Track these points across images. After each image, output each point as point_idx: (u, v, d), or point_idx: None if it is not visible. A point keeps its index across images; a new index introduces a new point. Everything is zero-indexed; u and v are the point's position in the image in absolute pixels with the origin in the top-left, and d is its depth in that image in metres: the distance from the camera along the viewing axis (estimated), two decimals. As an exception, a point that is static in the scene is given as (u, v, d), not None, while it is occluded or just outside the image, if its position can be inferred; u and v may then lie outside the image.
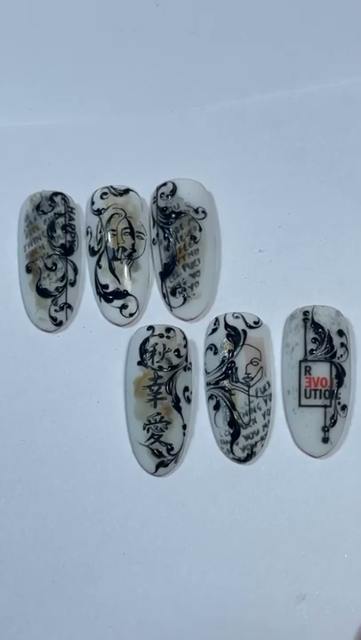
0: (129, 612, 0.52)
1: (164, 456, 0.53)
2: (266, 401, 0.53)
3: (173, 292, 0.55)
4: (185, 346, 0.53)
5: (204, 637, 0.52)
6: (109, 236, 0.55)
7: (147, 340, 0.53)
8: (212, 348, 0.53)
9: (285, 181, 0.58)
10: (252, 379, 0.53)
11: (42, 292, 0.55)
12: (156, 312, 0.55)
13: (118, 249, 0.55)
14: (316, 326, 0.53)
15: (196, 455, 0.54)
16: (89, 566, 0.53)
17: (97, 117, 0.60)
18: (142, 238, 0.56)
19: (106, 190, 0.56)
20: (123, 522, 0.53)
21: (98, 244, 0.55)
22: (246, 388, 0.53)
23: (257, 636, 0.52)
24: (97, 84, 0.60)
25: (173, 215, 0.55)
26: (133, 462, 0.53)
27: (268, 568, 0.52)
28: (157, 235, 0.55)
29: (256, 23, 0.60)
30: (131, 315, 0.55)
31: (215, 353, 0.53)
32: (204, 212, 0.55)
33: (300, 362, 0.53)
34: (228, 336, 0.53)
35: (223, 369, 0.53)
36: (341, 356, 0.53)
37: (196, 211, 0.55)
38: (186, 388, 0.53)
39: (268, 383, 0.53)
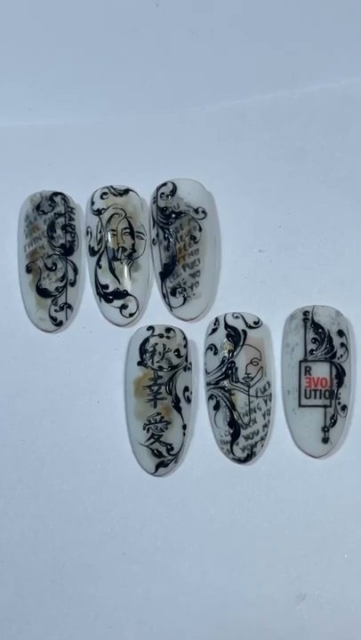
0: (129, 612, 0.52)
1: (164, 456, 0.53)
2: (266, 401, 0.53)
3: (173, 292, 0.55)
4: (185, 346, 0.53)
5: (204, 637, 0.52)
6: (109, 236, 0.55)
7: (147, 340, 0.53)
8: (212, 348, 0.53)
9: (285, 181, 0.58)
10: (252, 379, 0.53)
11: (42, 292, 0.55)
12: (156, 312, 0.55)
13: (118, 249, 0.55)
14: (316, 326, 0.53)
15: (196, 455, 0.54)
16: (89, 566, 0.53)
17: (97, 117, 0.60)
18: (142, 238, 0.56)
19: (106, 190, 0.56)
20: (123, 522, 0.53)
21: (98, 244, 0.55)
22: (246, 388, 0.53)
23: (257, 636, 0.52)
24: (97, 84, 0.60)
25: (173, 215, 0.55)
26: (133, 462, 0.53)
27: (268, 568, 0.52)
28: (157, 235, 0.55)
29: (256, 23, 0.60)
30: (131, 315, 0.55)
31: (215, 353, 0.53)
32: (204, 211, 0.55)
33: (301, 362, 0.53)
34: (228, 336, 0.53)
35: (223, 369, 0.53)
36: (341, 356, 0.53)
37: (196, 211, 0.55)
38: (186, 388, 0.53)
39: (268, 383, 0.53)
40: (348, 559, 0.52)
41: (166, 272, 0.55)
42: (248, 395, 0.53)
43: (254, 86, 0.59)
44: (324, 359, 0.53)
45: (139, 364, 0.53)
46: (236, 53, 0.60)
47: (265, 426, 0.53)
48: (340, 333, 0.53)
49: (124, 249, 0.55)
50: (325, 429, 0.52)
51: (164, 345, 0.53)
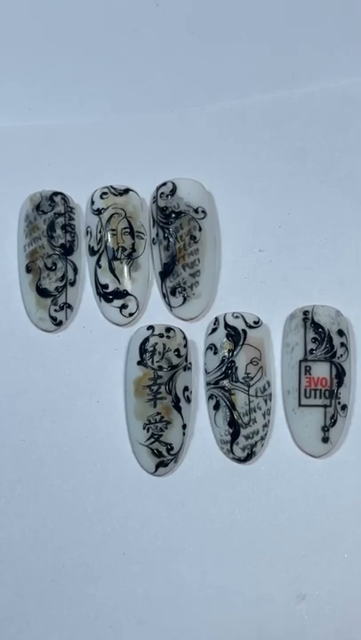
0: (129, 612, 0.52)
1: (163, 456, 0.53)
2: (266, 401, 0.53)
3: (173, 292, 0.55)
4: (185, 346, 0.53)
5: (204, 637, 0.52)
6: (109, 235, 0.55)
7: (147, 339, 0.53)
8: (212, 348, 0.53)
9: (285, 181, 0.58)
10: (252, 378, 0.53)
11: (42, 292, 0.55)
12: (156, 312, 0.55)
13: (118, 249, 0.55)
14: (316, 326, 0.53)
15: (196, 455, 0.54)
16: (89, 566, 0.53)
17: (97, 117, 0.60)
18: (142, 238, 0.56)
19: (106, 190, 0.56)
20: (123, 522, 0.53)
21: (98, 244, 0.55)
22: (246, 388, 0.53)
23: (257, 636, 0.52)
24: (97, 84, 0.60)
25: (173, 215, 0.55)
26: (133, 462, 0.53)
27: (268, 568, 0.52)
28: (157, 234, 0.55)
29: (256, 23, 0.60)
30: (131, 314, 0.55)
31: (215, 353, 0.53)
32: (204, 211, 0.55)
33: (300, 362, 0.53)
34: (228, 336, 0.53)
35: (223, 369, 0.53)
36: (341, 355, 0.53)
37: (196, 211, 0.55)
38: (186, 388, 0.53)
39: (268, 383, 0.53)
40: (348, 559, 0.52)
41: (166, 272, 0.55)
42: (248, 394, 0.53)
43: (254, 86, 0.59)
44: (324, 359, 0.53)
45: (139, 363, 0.53)
46: (236, 53, 0.60)
47: (265, 425, 0.53)
48: (341, 333, 0.53)
49: (124, 249, 0.55)
50: (325, 429, 0.52)
51: (164, 345, 0.53)
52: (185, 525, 0.53)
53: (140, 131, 0.59)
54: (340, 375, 0.53)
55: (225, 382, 0.53)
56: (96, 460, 0.54)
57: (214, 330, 0.54)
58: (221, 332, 0.53)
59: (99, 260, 0.55)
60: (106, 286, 0.55)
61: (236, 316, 0.53)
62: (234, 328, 0.53)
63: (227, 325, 0.53)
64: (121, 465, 0.53)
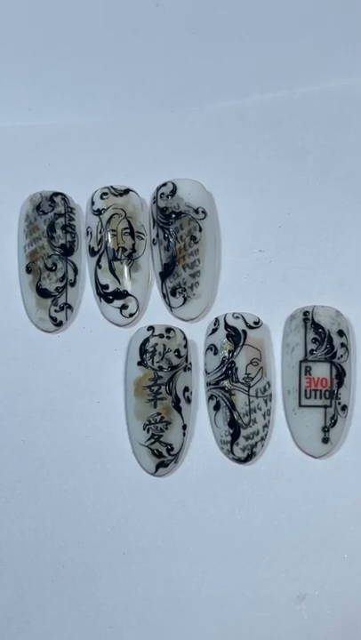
0: (129, 612, 0.52)
1: (164, 456, 0.53)
2: (266, 401, 0.53)
3: (173, 293, 0.55)
4: (185, 346, 0.53)
5: (204, 637, 0.52)
6: (109, 236, 0.55)
7: (147, 340, 0.53)
8: (212, 349, 0.53)
9: (285, 181, 0.58)
10: (253, 379, 0.53)
11: (42, 293, 0.55)
12: (156, 312, 0.55)
13: (118, 249, 0.55)
14: (317, 326, 0.53)
15: (196, 455, 0.54)
16: (89, 566, 0.53)
17: (97, 117, 0.59)
18: (142, 238, 0.56)
19: (106, 190, 0.56)
20: (123, 522, 0.53)
21: (98, 245, 0.55)
22: (246, 389, 0.53)
23: (257, 636, 0.52)
24: (97, 84, 0.60)
25: (173, 215, 0.55)
26: (133, 462, 0.53)
27: (268, 568, 0.52)
28: (157, 235, 0.55)
29: (256, 23, 0.60)
30: (131, 315, 0.55)
31: (215, 353, 0.53)
32: (204, 212, 0.55)
33: (301, 362, 0.53)
34: (228, 336, 0.53)
35: (223, 369, 0.53)
36: (342, 356, 0.53)
37: (196, 211, 0.55)
38: (186, 389, 0.53)
39: (268, 383, 0.53)
40: (348, 559, 0.52)
41: (166, 272, 0.55)
42: (248, 395, 0.53)
43: (254, 86, 0.59)
44: (324, 359, 0.53)
45: (139, 364, 0.53)
46: (236, 53, 0.60)
47: (265, 426, 0.53)
48: (341, 333, 0.53)
49: (124, 249, 0.55)
50: (325, 429, 0.52)
51: (164, 345, 0.53)
52: (185, 525, 0.53)
53: (140, 131, 0.59)
54: (340, 375, 0.53)
55: (225, 383, 0.53)
56: (96, 460, 0.54)
57: (214, 330, 0.54)
58: (222, 332, 0.53)
59: (99, 261, 0.55)
60: (106, 287, 0.55)
61: (237, 317, 0.54)
62: (234, 328, 0.53)
63: (227, 326, 0.53)
64: (121, 465, 0.53)
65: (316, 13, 0.60)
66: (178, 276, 0.55)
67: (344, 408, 0.53)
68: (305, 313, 0.54)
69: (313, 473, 0.53)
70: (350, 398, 0.53)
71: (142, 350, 0.53)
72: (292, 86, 0.59)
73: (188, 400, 0.53)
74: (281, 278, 0.56)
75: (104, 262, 0.55)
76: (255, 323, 0.54)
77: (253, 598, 0.52)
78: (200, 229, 0.55)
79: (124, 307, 0.55)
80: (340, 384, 0.53)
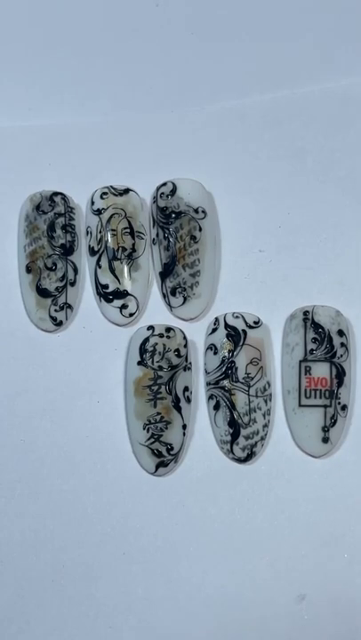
0: (129, 612, 0.52)
1: (163, 456, 0.53)
2: (266, 401, 0.53)
3: (173, 292, 0.55)
4: (185, 346, 0.53)
5: (204, 637, 0.52)
6: (109, 235, 0.55)
7: (147, 339, 0.53)
8: (212, 348, 0.53)
9: (285, 181, 0.58)
10: (252, 379, 0.53)
11: (42, 292, 0.55)
12: (156, 312, 0.55)
13: (118, 249, 0.55)
14: (317, 326, 0.53)
15: (196, 455, 0.54)
16: (89, 566, 0.53)
17: (97, 117, 0.60)
18: (142, 238, 0.56)
19: (106, 190, 0.56)
20: (123, 522, 0.53)
21: (98, 244, 0.55)
22: (246, 388, 0.53)
23: (257, 636, 0.52)
24: (97, 84, 0.60)
25: (173, 215, 0.55)
26: (133, 462, 0.53)
27: (268, 568, 0.52)
28: (157, 235, 0.55)
29: (256, 23, 0.60)
30: (131, 315, 0.55)
31: (215, 353, 0.53)
32: (204, 211, 0.55)
33: (301, 362, 0.53)
34: (228, 336, 0.53)
35: (223, 369, 0.53)
36: (341, 355, 0.53)
37: (196, 211, 0.55)
38: (186, 388, 0.53)
39: (268, 383, 0.53)
40: (348, 559, 0.52)
41: (166, 272, 0.55)
42: (248, 394, 0.53)
43: (254, 86, 0.59)
44: (324, 359, 0.53)
45: (139, 363, 0.53)
46: (236, 53, 0.60)
47: (265, 426, 0.53)
48: (341, 333, 0.53)
49: (124, 249, 0.55)
50: (325, 429, 0.52)
51: (164, 345, 0.53)
52: (185, 525, 0.53)
53: (140, 131, 0.59)
54: (340, 375, 0.53)
55: (225, 382, 0.53)
56: (96, 460, 0.54)
57: (214, 330, 0.54)
58: (221, 332, 0.53)
59: (99, 261, 0.55)
60: (106, 286, 0.55)
61: (237, 317, 0.54)
62: (234, 328, 0.53)
63: (227, 325, 0.53)
64: (121, 465, 0.53)
65: (316, 13, 0.60)
66: (178, 276, 0.55)
67: (344, 408, 0.53)
68: (305, 313, 0.54)
69: (313, 473, 0.53)
70: (350, 398, 0.53)
71: (142, 350, 0.53)
72: (292, 86, 0.59)
73: (188, 400, 0.53)
74: (281, 278, 0.56)
75: (104, 262, 0.55)
76: (255, 322, 0.54)
77: (253, 598, 0.52)
78: (200, 229, 0.55)
79: (123, 306, 0.55)
80: (340, 384, 0.53)
